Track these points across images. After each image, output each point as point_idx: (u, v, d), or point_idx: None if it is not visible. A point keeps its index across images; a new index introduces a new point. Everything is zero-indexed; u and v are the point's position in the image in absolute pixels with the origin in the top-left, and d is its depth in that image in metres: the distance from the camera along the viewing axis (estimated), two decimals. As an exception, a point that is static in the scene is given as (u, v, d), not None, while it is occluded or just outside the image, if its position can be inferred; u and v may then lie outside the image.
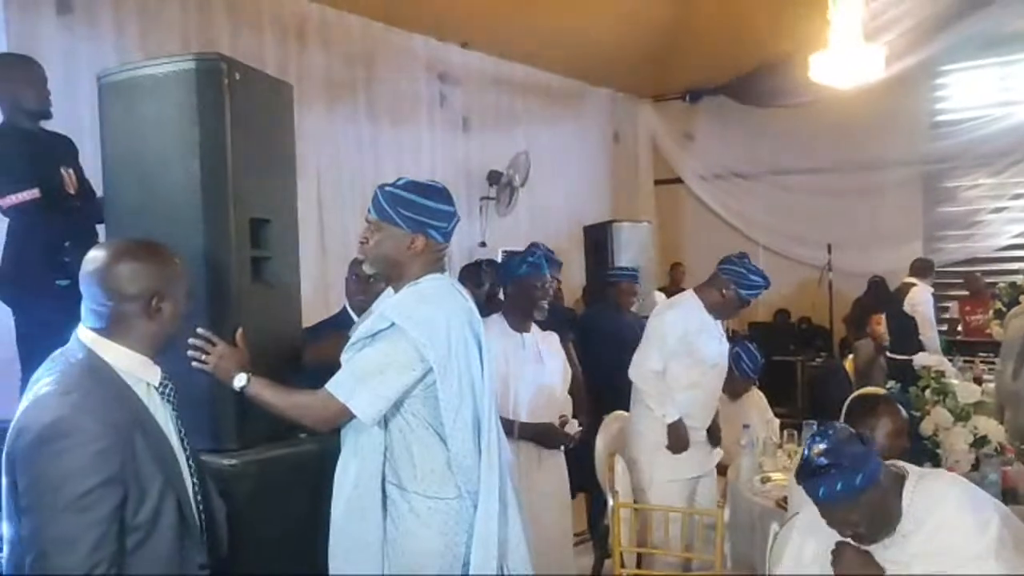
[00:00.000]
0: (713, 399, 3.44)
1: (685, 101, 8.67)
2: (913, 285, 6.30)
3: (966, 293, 6.92)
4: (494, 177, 6.88)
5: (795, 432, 3.58)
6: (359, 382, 1.85)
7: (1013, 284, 6.11)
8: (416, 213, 1.94)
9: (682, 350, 3.26)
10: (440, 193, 2.00)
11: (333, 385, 1.88)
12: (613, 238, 6.30)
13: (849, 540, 1.88)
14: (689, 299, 3.39)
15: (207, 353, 1.95)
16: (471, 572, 1.87)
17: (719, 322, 3.46)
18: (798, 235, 7.82)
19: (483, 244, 6.85)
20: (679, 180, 8.78)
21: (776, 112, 7.83)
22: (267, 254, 2.26)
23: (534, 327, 3.10)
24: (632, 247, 6.39)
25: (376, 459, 1.91)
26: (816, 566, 1.98)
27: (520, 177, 6.88)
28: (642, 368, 3.29)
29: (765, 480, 3.21)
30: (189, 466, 1.68)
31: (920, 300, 6.18)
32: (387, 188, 1.97)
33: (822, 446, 1.82)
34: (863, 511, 1.81)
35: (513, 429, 2.79)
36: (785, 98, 7.38)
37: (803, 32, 5.41)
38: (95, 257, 1.60)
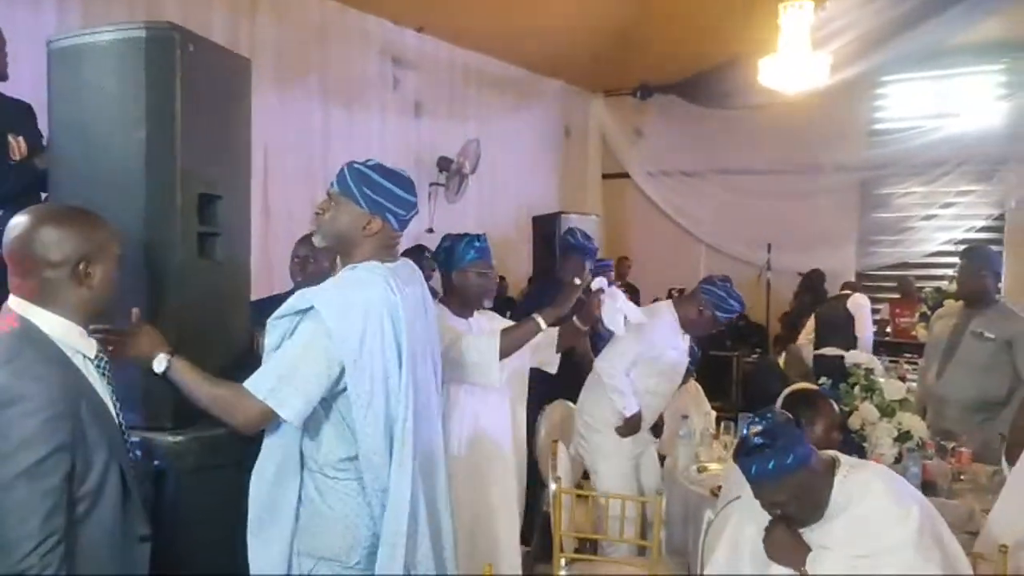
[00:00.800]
0: (663, 405, 3.64)
1: (636, 97, 8.78)
2: (853, 292, 6.52)
3: (897, 296, 7.20)
4: (444, 163, 6.87)
5: (731, 424, 3.69)
6: (282, 380, 1.77)
7: (938, 289, 6.41)
8: (378, 194, 1.93)
9: (649, 358, 3.40)
10: (406, 181, 2.00)
11: (253, 384, 1.78)
12: (561, 230, 6.34)
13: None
14: (666, 311, 3.51)
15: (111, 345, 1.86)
16: (376, 572, 1.82)
17: (686, 336, 3.57)
18: (739, 234, 8.02)
19: (430, 230, 6.83)
20: (626, 175, 8.91)
21: (724, 113, 8.00)
22: (216, 230, 2.22)
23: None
24: (580, 239, 6.44)
25: (295, 439, 1.88)
26: (752, 549, 2.06)
27: (470, 164, 6.88)
28: (615, 363, 3.42)
29: (701, 470, 3.30)
30: (124, 440, 1.65)
31: (863, 303, 6.40)
32: (355, 165, 1.96)
33: (759, 427, 1.92)
34: (791, 491, 1.90)
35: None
36: (733, 100, 7.55)
37: (753, 36, 5.55)
38: (17, 223, 1.55)
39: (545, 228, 6.49)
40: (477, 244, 2.73)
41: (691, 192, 8.55)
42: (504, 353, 2.57)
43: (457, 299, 2.77)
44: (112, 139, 2.08)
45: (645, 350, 3.39)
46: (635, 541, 2.99)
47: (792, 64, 5.13)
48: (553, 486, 2.98)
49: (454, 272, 2.73)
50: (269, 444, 1.88)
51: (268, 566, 1.87)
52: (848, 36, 6.23)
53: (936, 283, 6.65)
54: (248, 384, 1.78)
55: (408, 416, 1.84)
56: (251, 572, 1.88)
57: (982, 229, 7.26)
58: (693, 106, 8.28)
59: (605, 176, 9.07)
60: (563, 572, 2.92)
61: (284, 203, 5.59)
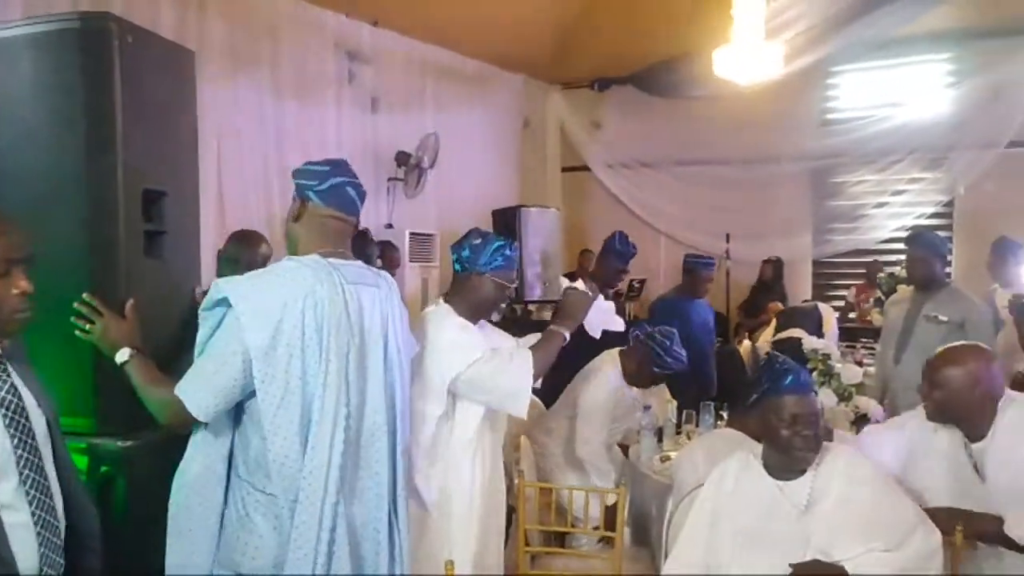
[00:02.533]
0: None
1: (593, 89, 8.79)
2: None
3: (862, 281, 7.33)
4: (402, 158, 6.80)
5: (693, 413, 3.71)
6: (196, 376, 1.74)
7: (891, 275, 6.55)
8: (300, 176, 1.91)
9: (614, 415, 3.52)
10: (326, 161, 1.94)
11: (180, 386, 1.74)
12: (522, 223, 6.32)
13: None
14: (609, 365, 3.60)
15: (92, 323, 1.86)
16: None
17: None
18: (698, 224, 8.09)
19: (389, 226, 6.77)
20: (586, 168, 8.92)
21: (680, 104, 8.05)
22: (162, 228, 2.16)
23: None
24: (540, 233, 6.42)
25: (223, 442, 1.81)
26: (733, 529, 2.08)
27: (429, 159, 6.82)
28: (593, 444, 3.41)
29: (664, 459, 3.32)
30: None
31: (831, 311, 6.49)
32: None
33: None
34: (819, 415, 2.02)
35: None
36: (689, 90, 7.61)
37: (708, 27, 5.58)
38: None
39: (505, 221, 6.44)
40: (507, 252, 2.40)
41: (650, 184, 8.59)
42: (536, 375, 2.32)
43: (465, 303, 2.41)
44: (51, 135, 2.01)
45: (613, 413, 3.48)
46: (599, 533, 2.99)
47: (746, 54, 5.17)
48: (515, 480, 2.96)
49: (473, 274, 2.38)
50: (192, 444, 1.81)
51: (187, 572, 1.79)
52: (800, 26, 6.31)
53: (889, 269, 6.77)
54: (177, 387, 1.75)
55: (330, 423, 1.73)
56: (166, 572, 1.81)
57: (932, 215, 7.41)
58: (650, 97, 8.32)
59: (565, 169, 9.07)
60: (528, 566, 2.91)
61: (240, 199, 5.48)
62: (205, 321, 1.77)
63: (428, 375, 2.25)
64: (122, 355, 1.83)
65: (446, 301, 2.43)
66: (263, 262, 3.05)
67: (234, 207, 5.39)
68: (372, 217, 6.67)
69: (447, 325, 2.33)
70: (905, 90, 7.62)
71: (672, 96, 8.08)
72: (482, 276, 2.35)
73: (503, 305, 2.47)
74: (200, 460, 1.81)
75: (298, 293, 1.73)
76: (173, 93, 2.22)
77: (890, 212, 7.61)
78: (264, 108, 5.80)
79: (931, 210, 7.44)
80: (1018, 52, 6.84)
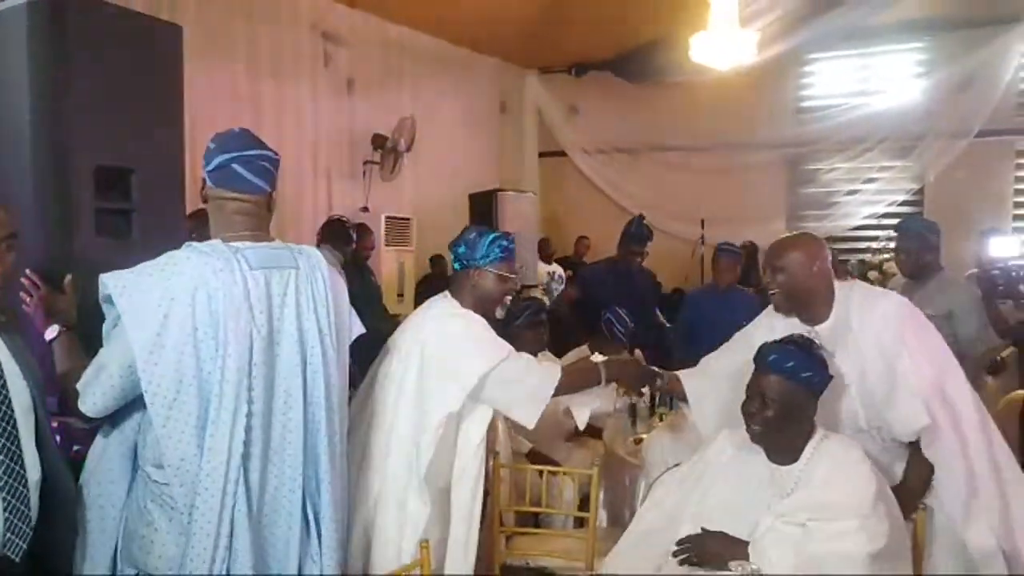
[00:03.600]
0: None
1: (571, 74, 8.79)
2: None
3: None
4: (379, 141, 6.76)
5: (667, 397, 3.75)
6: (92, 371, 1.68)
7: (862, 261, 6.65)
8: (204, 159, 1.80)
9: None
10: (215, 137, 1.81)
11: (81, 380, 1.69)
12: (498, 207, 6.35)
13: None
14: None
15: (31, 295, 1.85)
16: None
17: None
18: (674, 210, 8.13)
19: (365, 209, 6.74)
20: (563, 153, 8.92)
21: (657, 90, 8.07)
22: (126, 206, 2.13)
23: None
24: (517, 217, 6.47)
25: (127, 434, 1.75)
26: (695, 511, 2.11)
27: (405, 142, 6.79)
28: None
29: (638, 442, 3.37)
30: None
31: None
32: None
33: (799, 338, 2.07)
34: (785, 401, 1.98)
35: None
36: (666, 76, 7.63)
37: (684, 13, 5.60)
38: None
39: (482, 205, 6.49)
40: (503, 243, 2.34)
41: (626, 169, 8.63)
42: (558, 393, 2.30)
43: (469, 299, 2.34)
44: (3, 111, 1.98)
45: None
46: (573, 513, 3.03)
47: (721, 41, 5.20)
48: (490, 461, 2.98)
49: (472, 269, 2.33)
50: (100, 433, 1.77)
51: (91, 567, 1.74)
52: (774, 14, 6.34)
53: (860, 255, 6.88)
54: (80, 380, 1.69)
55: (228, 422, 1.63)
56: (75, 571, 1.75)
57: (903, 203, 7.53)
58: (627, 83, 8.34)
59: (542, 154, 9.07)
60: (503, 547, 2.94)
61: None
62: (108, 313, 1.69)
63: (442, 371, 2.19)
64: (51, 331, 1.82)
65: (445, 294, 2.38)
66: None
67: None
68: (348, 200, 6.64)
69: (464, 318, 2.28)
70: (877, 79, 7.72)
71: (649, 82, 8.10)
72: (481, 270, 2.31)
73: (507, 299, 2.37)
74: (103, 450, 1.76)
75: (187, 285, 1.63)
76: (151, 69, 2.19)
77: (862, 199, 7.73)
78: (238, 89, 5.73)
79: (902, 198, 7.56)
80: (988, 42, 6.96)
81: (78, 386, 1.67)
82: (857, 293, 2.31)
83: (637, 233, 4.72)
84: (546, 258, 7.95)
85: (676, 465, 2.59)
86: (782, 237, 2.41)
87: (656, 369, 2.67)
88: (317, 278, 1.82)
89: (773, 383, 2.00)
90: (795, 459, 2.02)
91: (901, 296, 2.56)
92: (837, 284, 2.32)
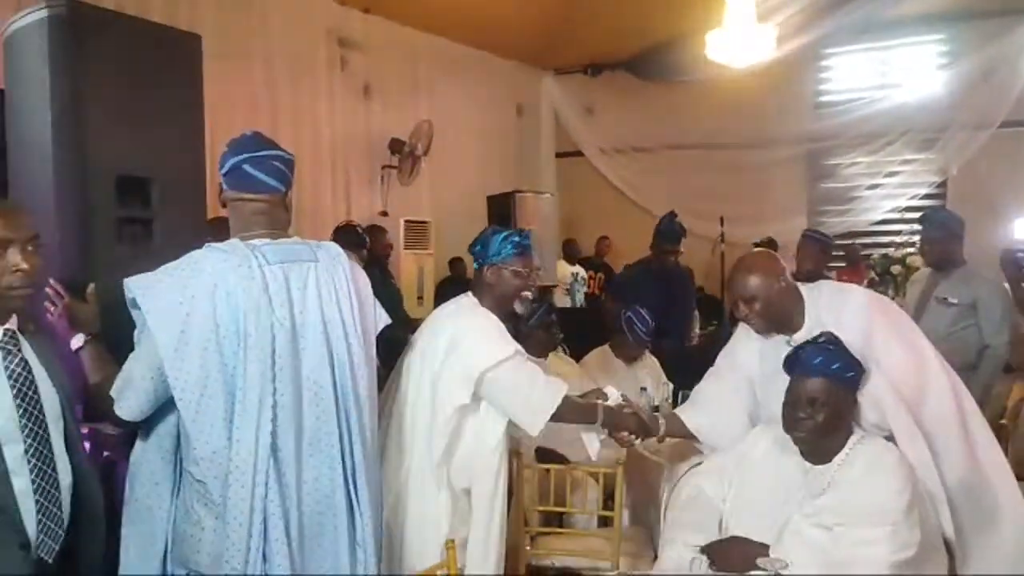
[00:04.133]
0: None
1: (587, 75, 8.78)
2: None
3: (843, 264, 7.36)
4: (396, 145, 6.79)
5: (689, 393, 3.73)
6: (124, 376, 1.72)
7: (885, 255, 6.57)
8: (220, 161, 1.82)
9: None
10: (230, 141, 1.85)
11: (115, 385, 1.72)
12: (516, 208, 6.35)
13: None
14: (610, 356, 4.11)
15: (55, 305, 1.88)
16: None
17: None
18: (693, 208, 8.03)
19: (384, 213, 6.77)
20: (580, 153, 8.91)
21: (673, 88, 8.04)
22: (146, 215, 2.16)
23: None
24: (536, 218, 6.47)
25: (168, 435, 1.77)
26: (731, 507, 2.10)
27: (423, 146, 6.82)
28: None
29: (661, 440, 3.34)
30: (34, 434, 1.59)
31: None
32: None
33: (831, 338, 2.01)
34: (828, 400, 1.94)
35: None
36: (682, 75, 7.59)
37: (700, 11, 5.57)
38: None
39: (500, 207, 6.49)
40: (516, 239, 2.38)
41: (644, 168, 8.59)
42: (558, 416, 2.33)
43: (487, 297, 2.40)
44: (27, 124, 2.02)
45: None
46: (597, 512, 3.02)
47: (738, 37, 5.17)
48: (515, 462, 2.98)
49: (487, 267, 2.39)
50: (139, 436, 1.79)
51: (140, 566, 1.76)
52: (792, 8, 6.30)
53: (883, 250, 6.80)
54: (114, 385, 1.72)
55: (254, 414, 1.65)
56: (120, 570, 1.77)
57: (925, 196, 7.44)
58: (643, 82, 8.31)
59: (559, 155, 9.06)
60: (528, 547, 2.94)
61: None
62: (137, 319, 1.72)
63: (453, 363, 2.21)
64: (76, 341, 1.83)
65: (470, 293, 2.44)
66: None
67: (228, 196, 5.39)
68: (366, 205, 6.67)
69: (478, 314, 2.33)
70: (897, 72, 7.63)
71: (665, 80, 8.07)
72: (496, 267, 2.36)
73: (525, 294, 2.40)
74: (143, 454, 1.78)
75: (207, 282, 1.66)
76: (170, 79, 2.22)
77: (883, 193, 7.64)
78: (256, 97, 5.79)
79: (924, 191, 7.47)
80: (1009, 32, 6.85)
81: (112, 392, 1.70)
82: (825, 293, 2.30)
83: (668, 231, 4.59)
84: (571, 259, 7.94)
85: (699, 463, 2.58)
86: (736, 268, 2.34)
87: (658, 417, 2.68)
88: (338, 271, 1.84)
89: (820, 386, 1.95)
90: (830, 459, 1.98)
91: (867, 290, 2.55)
92: (804, 288, 2.30)
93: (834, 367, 1.95)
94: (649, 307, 4.07)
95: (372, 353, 1.92)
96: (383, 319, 2.01)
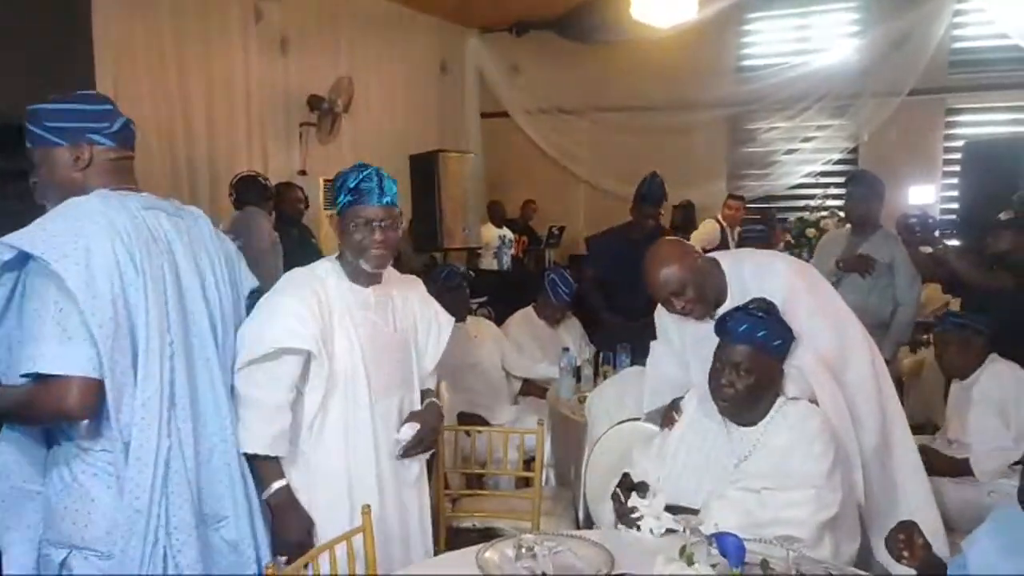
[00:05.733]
0: None
1: (512, 34, 8.66)
2: None
3: (761, 228, 7.54)
4: (315, 102, 6.57)
5: (611, 355, 3.77)
6: (51, 343, 1.54)
7: (801, 219, 6.77)
8: (71, 120, 1.72)
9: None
10: (88, 96, 1.81)
11: (34, 360, 1.54)
12: (440, 168, 6.25)
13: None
14: (533, 317, 4.23)
15: None
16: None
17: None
18: (616, 171, 8.12)
19: (303, 172, 6.57)
20: (505, 114, 8.82)
21: (599, 50, 8.02)
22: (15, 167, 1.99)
23: (391, 275, 2.19)
24: (460, 179, 6.39)
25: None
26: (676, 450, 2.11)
27: (343, 103, 6.61)
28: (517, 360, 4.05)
29: (582, 400, 3.37)
30: None
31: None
32: (30, 110, 1.73)
33: (763, 304, 2.00)
34: (754, 368, 1.94)
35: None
36: (608, 35, 7.57)
37: (625, -31, 5.53)
38: None
39: (423, 167, 6.38)
40: (353, 183, 2.00)
41: (569, 130, 8.58)
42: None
43: (345, 254, 2.08)
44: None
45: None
46: (518, 473, 3.03)
47: (662, -2, 5.16)
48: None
49: (333, 217, 2.10)
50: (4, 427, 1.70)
51: (14, 563, 1.69)
52: (715, -30, 6.33)
53: (798, 213, 7.00)
54: (26, 370, 1.54)
55: (156, 352, 1.64)
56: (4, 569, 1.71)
57: (838, 162, 7.67)
58: (568, 43, 8.25)
59: (484, 115, 8.95)
60: (448, 510, 2.93)
61: (140, 141, 5.19)
62: (32, 282, 1.57)
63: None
64: None
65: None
66: None
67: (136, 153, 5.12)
68: (284, 164, 6.45)
69: (286, 288, 2.02)
70: (816, 38, 7.79)
71: (591, 41, 8.03)
72: (338, 218, 2.06)
73: (375, 251, 2.01)
74: (10, 441, 1.70)
75: (99, 222, 1.61)
76: (56, 26, 2.04)
77: (800, 158, 7.84)
78: (163, 47, 5.48)
79: (837, 156, 7.70)
80: (920, 1, 7.06)
81: (42, 368, 1.54)
82: (747, 263, 2.26)
83: (650, 193, 4.24)
84: (497, 222, 7.90)
85: (621, 422, 2.61)
86: (651, 266, 2.18)
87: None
88: (203, 228, 1.87)
89: (745, 354, 1.95)
90: (756, 423, 2.00)
91: (789, 257, 2.56)
92: (725, 260, 2.27)
93: (759, 334, 1.94)
94: (635, 276, 3.96)
95: (242, 313, 1.94)
96: (249, 282, 2.01)
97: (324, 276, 2.06)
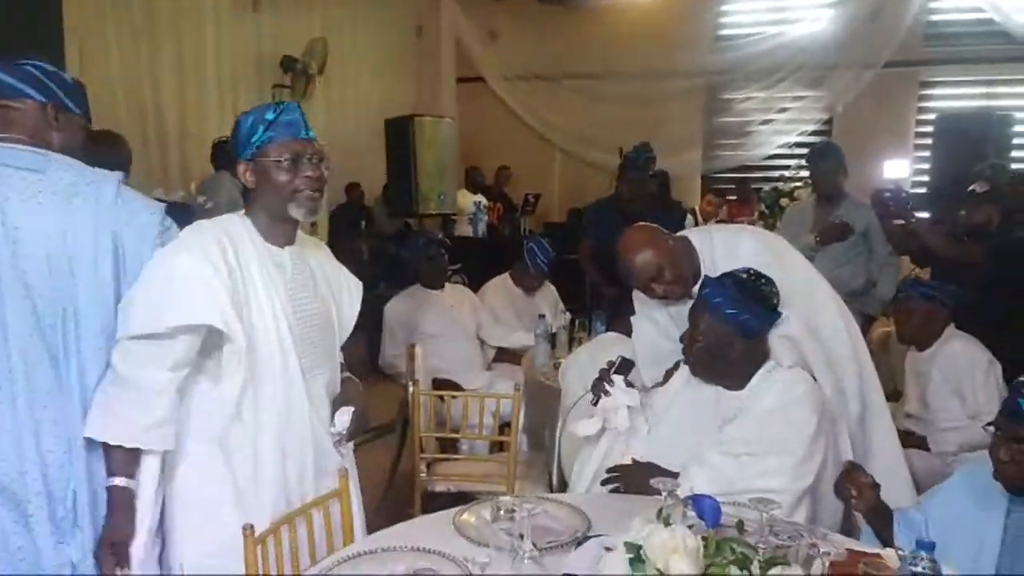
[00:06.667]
0: None
1: (489, -2, 8.54)
2: None
3: (735, 198, 7.59)
4: (288, 64, 6.44)
5: (586, 322, 3.79)
6: None
7: (775, 189, 6.81)
8: (44, 76, 1.68)
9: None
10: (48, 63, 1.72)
11: None
12: (416, 133, 6.18)
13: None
14: (510, 283, 4.23)
15: None
16: None
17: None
18: (592, 139, 8.11)
19: (276, 135, 6.45)
20: (481, 79, 8.73)
21: (577, 15, 7.94)
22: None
23: (303, 236, 1.92)
24: (435, 144, 6.33)
25: None
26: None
27: (317, 65, 6.49)
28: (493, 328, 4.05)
29: (557, 366, 3.39)
30: None
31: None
32: None
33: (745, 276, 1.99)
34: (709, 337, 1.97)
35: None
36: (586, 0, 7.48)
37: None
38: None
39: (398, 131, 6.30)
40: (272, 116, 1.72)
41: (545, 97, 8.51)
42: None
43: (256, 207, 1.78)
44: None
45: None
46: (493, 438, 3.05)
47: (642, -37, 5.10)
48: (411, 388, 2.96)
49: (241, 165, 1.76)
50: None
51: None
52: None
53: (772, 184, 7.04)
54: None
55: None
56: None
57: (813, 133, 7.71)
58: (547, 7, 8.15)
59: (460, 80, 8.84)
60: (423, 474, 2.94)
61: (108, 103, 5.07)
62: None
63: None
64: None
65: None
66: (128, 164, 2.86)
67: (101, 115, 4.99)
68: (257, 126, 6.33)
69: (243, 246, 1.75)
70: (793, 8, 7.78)
71: (569, 6, 7.95)
72: (249, 162, 1.75)
73: (305, 192, 1.74)
74: None
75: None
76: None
77: (774, 129, 7.87)
78: (132, 5, 5.33)
79: (811, 128, 7.74)
80: (898, -28, 7.07)
81: None
82: (717, 238, 2.27)
83: (634, 158, 4.23)
84: (473, 188, 7.86)
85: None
86: (626, 253, 2.17)
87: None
88: (102, 192, 1.65)
89: (702, 318, 1.98)
90: (742, 387, 2.02)
91: (757, 230, 2.57)
92: (694, 236, 2.28)
93: (715, 300, 1.96)
94: None
95: (119, 295, 1.67)
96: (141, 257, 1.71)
97: (234, 233, 1.74)
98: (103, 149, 2.91)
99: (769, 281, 2.02)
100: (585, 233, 4.31)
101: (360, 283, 2.05)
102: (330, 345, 1.90)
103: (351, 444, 1.98)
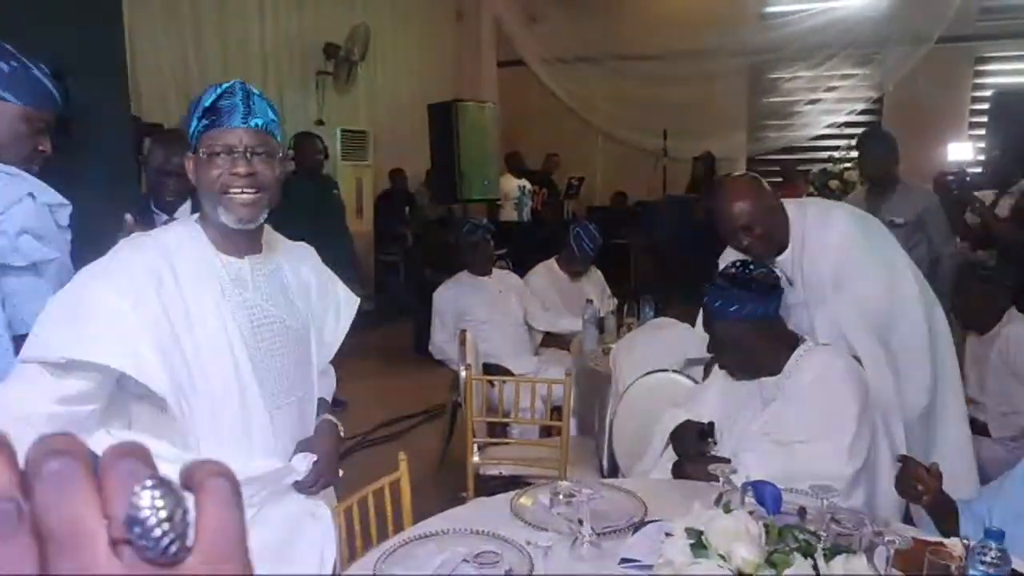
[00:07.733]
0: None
1: (529, -20, 8.49)
2: None
3: (780, 180, 7.46)
4: (331, 50, 6.49)
5: (634, 306, 3.77)
6: None
7: (824, 170, 6.68)
8: None
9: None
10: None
11: None
12: (458, 118, 6.19)
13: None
14: (555, 268, 4.16)
15: None
16: None
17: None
18: (635, 121, 8.04)
19: (320, 122, 6.52)
20: (522, 62, 8.69)
21: (618, -4, 7.85)
22: (66, 114, 1.99)
23: (275, 240, 1.61)
24: (477, 129, 6.33)
25: None
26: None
27: (359, 51, 6.53)
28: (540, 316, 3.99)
29: (606, 351, 3.38)
30: None
31: None
32: None
33: (736, 270, 1.96)
34: (738, 342, 1.95)
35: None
36: (627, -19, 7.39)
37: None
38: None
39: (441, 116, 6.31)
40: (209, 101, 1.41)
41: (587, 79, 8.45)
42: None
43: (205, 210, 1.48)
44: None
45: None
46: (545, 422, 3.06)
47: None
48: (463, 373, 2.99)
49: (188, 159, 1.46)
50: None
51: None
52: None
53: (821, 165, 6.91)
54: None
55: None
56: None
57: (862, 112, 7.54)
58: (587, -11, 8.09)
59: (501, 64, 8.82)
60: (476, 457, 2.97)
61: (158, 96, 5.17)
62: None
63: None
64: None
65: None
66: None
67: (149, 111, 5.09)
68: (301, 114, 6.40)
69: (116, 255, 1.43)
70: (842, -16, 7.59)
71: (610, -13, 7.87)
72: (192, 157, 1.44)
73: (237, 195, 1.41)
74: None
75: None
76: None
77: (822, 108, 7.72)
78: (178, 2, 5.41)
79: (861, 106, 7.56)
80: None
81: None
82: (810, 212, 2.24)
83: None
84: (516, 172, 7.85)
85: (648, 373, 2.61)
86: (725, 198, 2.15)
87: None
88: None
89: (713, 326, 1.96)
90: (777, 371, 1.99)
91: (852, 208, 2.49)
92: (789, 207, 2.24)
93: (715, 305, 1.93)
94: (690, 254, 3.87)
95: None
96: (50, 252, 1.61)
97: (176, 248, 1.45)
98: (173, 152, 2.93)
99: (759, 264, 1.99)
100: (644, 228, 4.44)
101: (356, 299, 1.77)
102: (305, 369, 1.60)
103: (330, 490, 1.69)
